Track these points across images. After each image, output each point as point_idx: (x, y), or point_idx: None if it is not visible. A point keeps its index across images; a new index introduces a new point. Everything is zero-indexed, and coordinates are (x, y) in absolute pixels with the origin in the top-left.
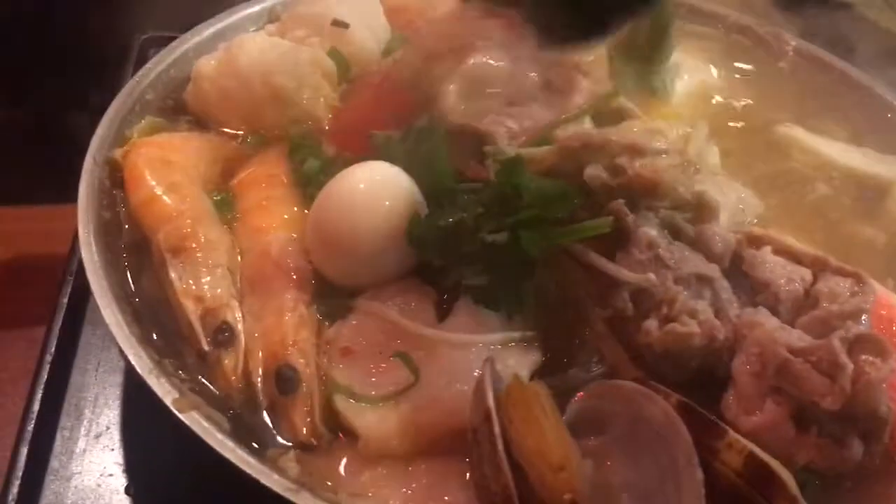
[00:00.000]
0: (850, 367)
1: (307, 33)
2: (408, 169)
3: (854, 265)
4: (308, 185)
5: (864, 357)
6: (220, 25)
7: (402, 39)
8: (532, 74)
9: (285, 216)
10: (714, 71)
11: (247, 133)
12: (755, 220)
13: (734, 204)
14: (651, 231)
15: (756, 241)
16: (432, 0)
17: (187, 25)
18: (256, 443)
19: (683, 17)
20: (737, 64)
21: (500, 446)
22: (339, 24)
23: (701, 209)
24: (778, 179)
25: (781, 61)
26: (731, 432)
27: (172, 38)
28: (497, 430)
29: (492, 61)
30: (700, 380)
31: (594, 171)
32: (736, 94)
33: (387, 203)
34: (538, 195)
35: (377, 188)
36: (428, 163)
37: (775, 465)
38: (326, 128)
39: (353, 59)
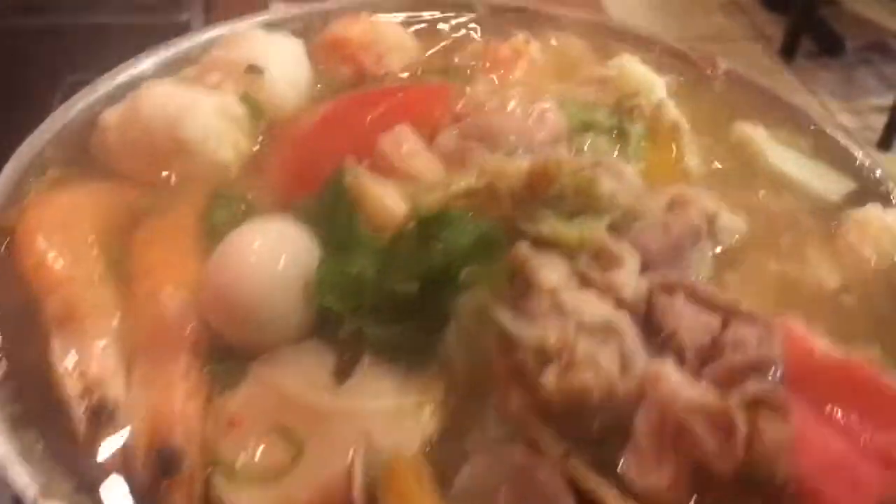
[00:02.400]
0: (744, 429)
1: (221, 79)
2: (318, 223)
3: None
4: (216, 238)
5: (762, 419)
6: (134, 71)
7: (335, 83)
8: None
9: (187, 273)
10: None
11: (154, 184)
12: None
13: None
14: (552, 276)
15: (669, 289)
16: (375, 34)
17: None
18: None
19: (615, 40)
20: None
21: None
22: (254, 69)
23: (607, 259)
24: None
25: (715, 82)
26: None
27: None
28: None
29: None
30: (615, 435)
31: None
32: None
33: (282, 261)
34: (458, 251)
35: (273, 245)
36: (336, 217)
37: None
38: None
39: (267, 105)
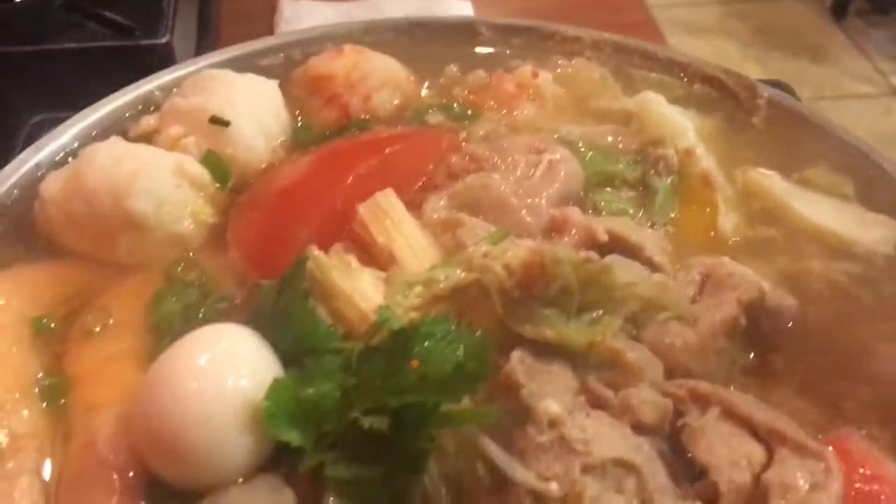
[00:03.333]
0: None
1: (183, 132)
2: (275, 322)
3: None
4: (164, 335)
5: None
6: (85, 123)
7: (316, 130)
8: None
9: (128, 382)
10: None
11: (102, 262)
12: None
13: None
14: (553, 407)
15: (701, 401)
16: (363, 70)
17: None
18: None
19: (634, 66)
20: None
21: None
22: (219, 121)
23: (623, 370)
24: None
25: (755, 116)
26: None
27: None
28: None
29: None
30: None
31: None
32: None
33: (230, 384)
34: (435, 378)
35: (219, 364)
36: (293, 318)
37: None
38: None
39: (233, 160)
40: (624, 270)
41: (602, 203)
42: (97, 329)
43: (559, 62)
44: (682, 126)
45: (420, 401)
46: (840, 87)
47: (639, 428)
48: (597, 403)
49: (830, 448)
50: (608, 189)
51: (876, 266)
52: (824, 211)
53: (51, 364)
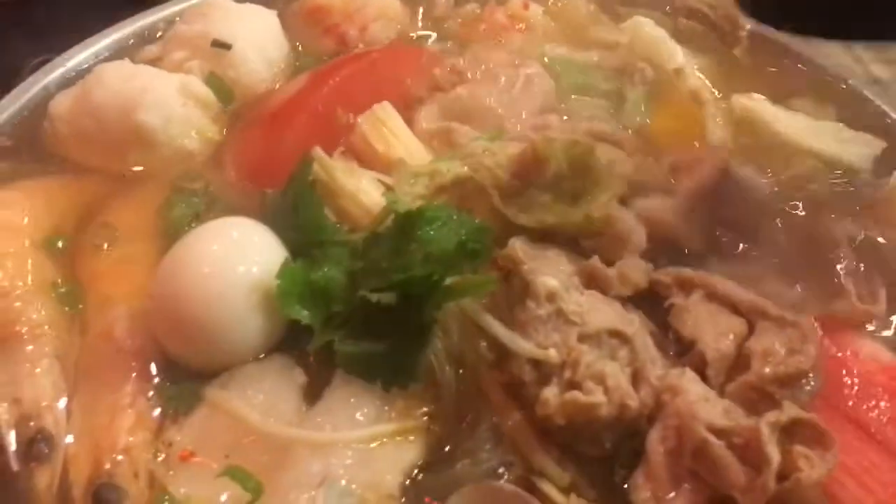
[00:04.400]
0: (777, 459)
1: (186, 56)
2: (284, 223)
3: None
4: (173, 237)
5: (798, 448)
6: (91, 50)
7: (311, 57)
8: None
9: (140, 281)
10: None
11: (111, 176)
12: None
13: None
14: (551, 282)
15: (686, 285)
16: (360, 2)
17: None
18: None
19: (625, 3)
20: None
21: None
22: (221, 44)
23: (612, 239)
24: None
25: (736, 47)
26: None
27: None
28: None
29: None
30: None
31: None
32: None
33: (241, 269)
34: (439, 255)
35: (231, 251)
36: (302, 212)
37: None
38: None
39: (236, 83)
40: (605, 152)
41: (575, 110)
42: (104, 245)
43: None
44: (672, 47)
45: (425, 273)
46: None
47: (630, 301)
48: (590, 283)
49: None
50: (583, 98)
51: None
52: (810, 131)
53: (66, 273)
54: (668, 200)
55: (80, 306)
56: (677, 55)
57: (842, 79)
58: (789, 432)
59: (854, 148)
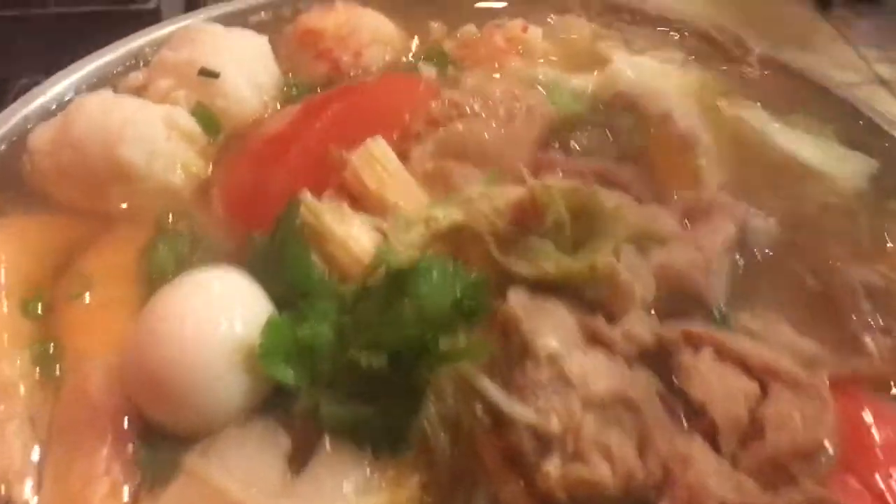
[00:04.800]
0: None
1: (172, 84)
2: (270, 271)
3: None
4: (156, 284)
5: None
6: (74, 78)
7: (307, 83)
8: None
9: (121, 329)
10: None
11: (93, 214)
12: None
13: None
14: (552, 343)
15: (694, 341)
16: (354, 25)
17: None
18: None
19: (631, 23)
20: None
21: None
22: (208, 73)
23: (616, 293)
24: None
25: (747, 69)
26: None
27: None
28: None
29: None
30: None
31: None
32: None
33: (224, 326)
34: (433, 314)
35: (214, 306)
36: (288, 262)
37: None
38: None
39: (225, 113)
40: (610, 197)
41: (572, 143)
42: (87, 280)
43: (551, 17)
44: (655, 89)
45: (418, 335)
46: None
47: (634, 365)
48: (593, 340)
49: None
50: (575, 129)
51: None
52: (805, 147)
53: (42, 327)
54: (688, 252)
55: (57, 365)
56: (661, 98)
57: (848, 102)
58: None
59: (847, 166)
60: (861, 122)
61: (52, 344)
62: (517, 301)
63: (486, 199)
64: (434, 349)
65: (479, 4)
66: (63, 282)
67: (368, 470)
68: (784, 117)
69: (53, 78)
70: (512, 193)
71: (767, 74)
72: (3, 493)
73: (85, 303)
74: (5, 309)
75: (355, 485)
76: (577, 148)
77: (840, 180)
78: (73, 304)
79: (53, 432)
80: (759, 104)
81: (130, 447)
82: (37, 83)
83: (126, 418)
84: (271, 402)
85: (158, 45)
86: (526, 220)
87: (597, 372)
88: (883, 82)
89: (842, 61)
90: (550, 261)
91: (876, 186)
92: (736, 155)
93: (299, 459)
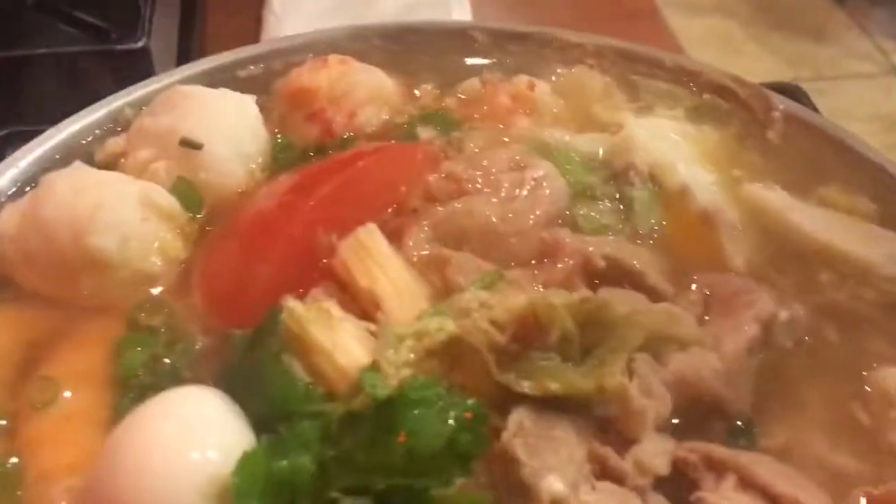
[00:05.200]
0: None
1: (151, 155)
2: (248, 387)
3: None
4: (127, 389)
5: None
6: (47, 145)
7: (293, 149)
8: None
9: (88, 445)
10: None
11: (62, 303)
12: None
13: None
14: (557, 484)
15: (716, 467)
16: (349, 83)
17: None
18: None
19: (640, 73)
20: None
21: None
22: (191, 144)
23: (627, 419)
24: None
25: (770, 129)
26: None
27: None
28: None
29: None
30: None
31: None
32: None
33: (196, 457)
34: (425, 454)
35: (184, 434)
36: (267, 377)
37: None
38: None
39: (208, 186)
40: (623, 302)
41: (582, 218)
42: (46, 403)
43: (559, 71)
44: (671, 161)
45: (408, 483)
46: (841, 66)
47: (648, 495)
48: (603, 473)
49: None
50: (586, 202)
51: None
52: (835, 229)
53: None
54: (707, 358)
55: (18, 493)
56: (678, 172)
57: (881, 168)
58: None
59: (884, 249)
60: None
61: (14, 460)
62: (518, 431)
63: (485, 309)
64: (425, 499)
65: (473, 61)
66: (28, 387)
67: None
68: (812, 190)
69: (25, 148)
70: (514, 303)
71: (790, 137)
72: None
73: (48, 414)
74: None
75: None
76: (587, 227)
77: (875, 267)
78: (35, 417)
79: None
80: (778, 185)
81: None
82: (18, 133)
83: None
84: None
85: (140, 104)
86: (528, 337)
87: None
88: None
89: (859, 52)
90: (556, 379)
91: None
92: (757, 236)
93: None
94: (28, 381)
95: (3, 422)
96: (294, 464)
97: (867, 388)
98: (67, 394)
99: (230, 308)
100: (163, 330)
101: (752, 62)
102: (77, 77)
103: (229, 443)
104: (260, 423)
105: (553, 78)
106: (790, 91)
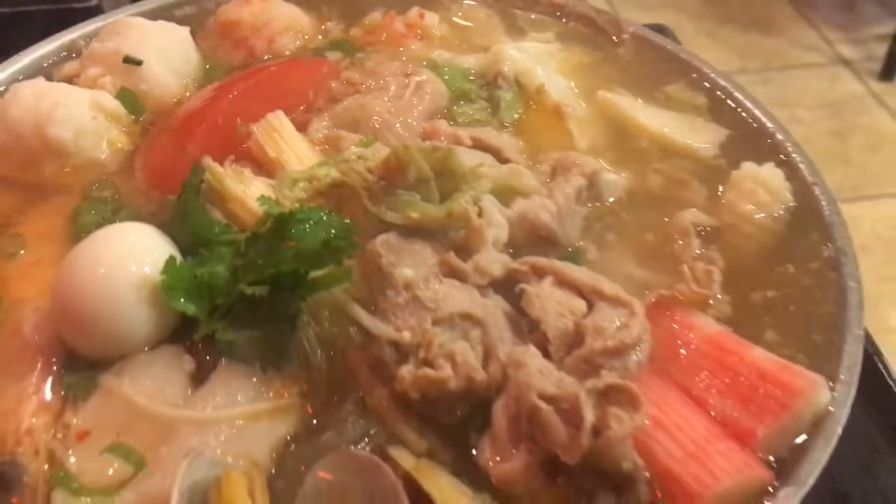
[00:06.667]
0: (590, 420)
1: (100, 72)
2: (178, 227)
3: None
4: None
5: (612, 409)
6: (12, 68)
7: (221, 69)
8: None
9: (50, 282)
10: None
11: (27, 184)
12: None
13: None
14: (407, 272)
15: (538, 271)
16: (268, 15)
17: None
18: None
19: (517, 7)
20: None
21: None
22: (132, 60)
23: (471, 234)
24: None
25: (620, 48)
26: None
27: None
28: None
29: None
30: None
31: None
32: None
33: (133, 269)
34: (307, 252)
35: (124, 252)
36: (191, 215)
37: None
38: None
39: (148, 96)
40: (470, 156)
41: (460, 114)
42: (16, 252)
43: (449, 6)
44: (531, 68)
45: (293, 268)
46: (788, 57)
47: (487, 290)
48: (451, 273)
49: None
50: (463, 103)
51: (701, 162)
52: (665, 121)
53: None
54: (543, 202)
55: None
56: (537, 75)
57: (707, 75)
58: (606, 396)
59: (702, 136)
60: (718, 93)
61: None
62: (382, 241)
63: (361, 159)
64: (305, 280)
65: None
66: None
67: (257, 383)
68: (659, 89)
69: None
70: (381, 154)
71: (640, 53)
72: None
73: (19, 260)
74: None
75: (246, 395)
76: (463, 120)
77: (696, 150)
78: (9, 262)
79: None
80: (626, 91)
81: (56, 373)
82: None
83: (54, 352)
84: (178, 331)
85: (90, 37)
86: (393, 176)
87: (448, 296)
88: (846, 63)
89: (804, 43)
90: (415, 209)
91: (723, 151)
92: (603, 126)
93: (200, 378)
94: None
95: None
96: (212, 270)
97: (670, 225)
98: (32, 247)
99: (165, 181)
100: (111, 200)
101: (701, 54)
102: (35, 34)
103: (160, 259)
104: (187, 252)
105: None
106: (658, 28)
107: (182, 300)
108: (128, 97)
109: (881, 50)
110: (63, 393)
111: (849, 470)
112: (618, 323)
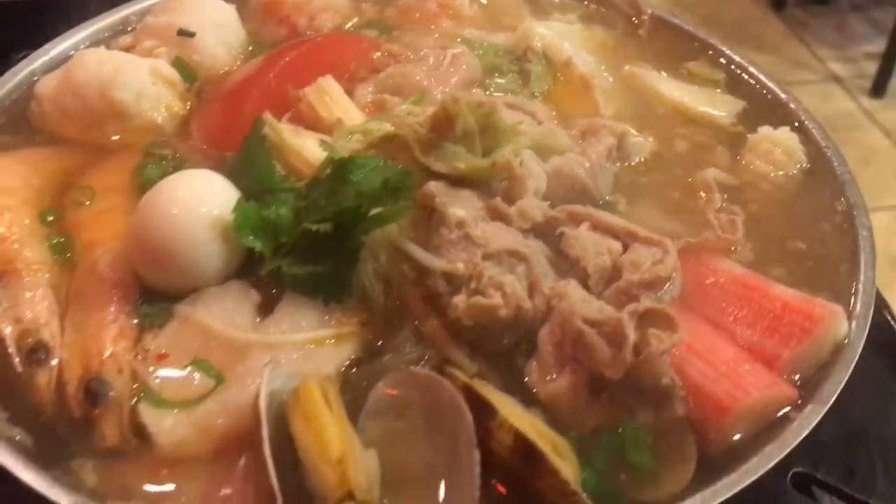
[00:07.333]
0: (633, 339)
1: (155, 44)
2: (240, 174)
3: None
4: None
5: (651, 330)
6: (70, 42)
7: (265, 45)
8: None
9: (120, 227)
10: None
11: (91, 146)
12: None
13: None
14: (459, 212)
15: (575, 218)
16: None
17: None
18: (62, 454)
19: None
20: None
21: (266, 448)
22: (185, 33)
23: (513, 183)
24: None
25: (640, 29)
26: (502, 413)
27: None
28: (264, 432)
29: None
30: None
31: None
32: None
33: (204, 210)
34: (367, 192)
35: (195, 195)
36: (255, 165)
37: (538, 441)
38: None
39: (200, 66)
40: (510, 115)
41: (493, 85)
42: (86, 202)
43: None
44: (559, 43)
45: (355, 205)
46: (781, 74)
47: (529, 233)
48: (496, 217)
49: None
50: (496, 76)
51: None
52: (685, 93)
53: (56, 228)
54: (577, 159)
55: (68, 255)
56: (564, 49)
57: (724, 52)
58: (645, 319)
59: (721, 106)
60: (734, 68)
61: (64, 238)
62: (435, 186)
63: (412, 114)
64: (366, 216)
65: None
66: (70, 194)
67: (320, 313)
68: (681, 66)
69: (54, 41)
70: (430, 109)
71: (659, 33)
72: (34, 339)
73: (89, 209)
74: (27, 221)
75: (310, 323)
76: (495, 90)
77: (716, 118)
78: (80, 210)
79: (70, 298)
80: (649, 65)
81: (132, 305)
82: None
83: (129, 286)
84: (244, 267)
85: (142, 14)
86: (441, 129)
87: (495, 235)
88: (837, 80)
89: (796, 60)
90: (462, 161)
91: (740, 120)
92: (628, 97)
93: (266, 309)
94: (70, 190)
95: (51, 217)
96: (276, 211)
97: (694, 182)
98: (101, 198)
99: (223, 139)
100: (171, 157)
101: None
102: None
103: (228, 202)
104: (250, 198)
105: None
106: None
107: (251, 237)
108: (182, 66)
109: (872, 68)
110: (139, 322)
111: (862, 408)
112: (653, 259)
